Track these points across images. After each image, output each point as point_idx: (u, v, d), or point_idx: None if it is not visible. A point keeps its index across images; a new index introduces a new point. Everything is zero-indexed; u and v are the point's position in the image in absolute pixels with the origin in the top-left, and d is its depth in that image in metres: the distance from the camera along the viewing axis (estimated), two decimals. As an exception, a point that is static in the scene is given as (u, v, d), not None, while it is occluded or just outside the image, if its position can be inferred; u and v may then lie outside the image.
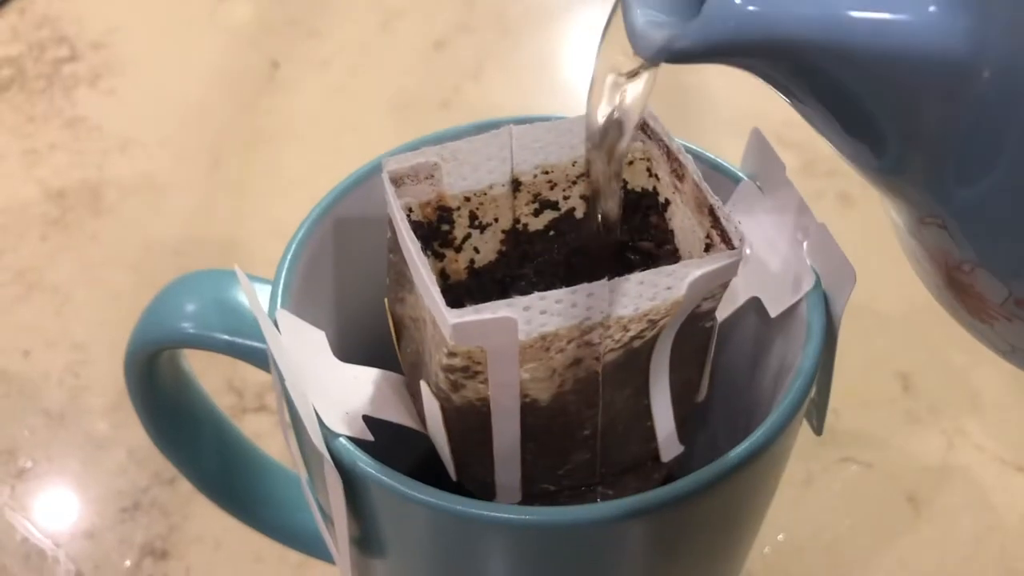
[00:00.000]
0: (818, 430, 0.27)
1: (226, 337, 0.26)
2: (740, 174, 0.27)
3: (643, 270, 0.21)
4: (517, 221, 0.26)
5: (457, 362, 0.21)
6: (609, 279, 0.20)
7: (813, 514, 0.38)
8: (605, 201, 0.24)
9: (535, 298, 0.20)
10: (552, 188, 0.25)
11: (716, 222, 0.23)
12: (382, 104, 0.53)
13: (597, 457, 0.24)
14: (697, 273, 0.21)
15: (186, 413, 0.31)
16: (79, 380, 0.42)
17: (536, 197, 0.25)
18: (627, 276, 0.21)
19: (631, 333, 0.21)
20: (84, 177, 0.50)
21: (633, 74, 0.21)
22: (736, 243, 0.22)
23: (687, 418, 0.25)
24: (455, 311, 0.20)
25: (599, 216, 0.24)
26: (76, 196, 0.49)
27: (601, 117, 0.23)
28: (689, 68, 0.54)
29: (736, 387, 0.29)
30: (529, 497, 0.24)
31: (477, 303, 0.20)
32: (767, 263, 0.26)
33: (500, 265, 0.26)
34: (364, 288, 0.28)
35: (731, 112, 0.52)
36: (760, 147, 0.27)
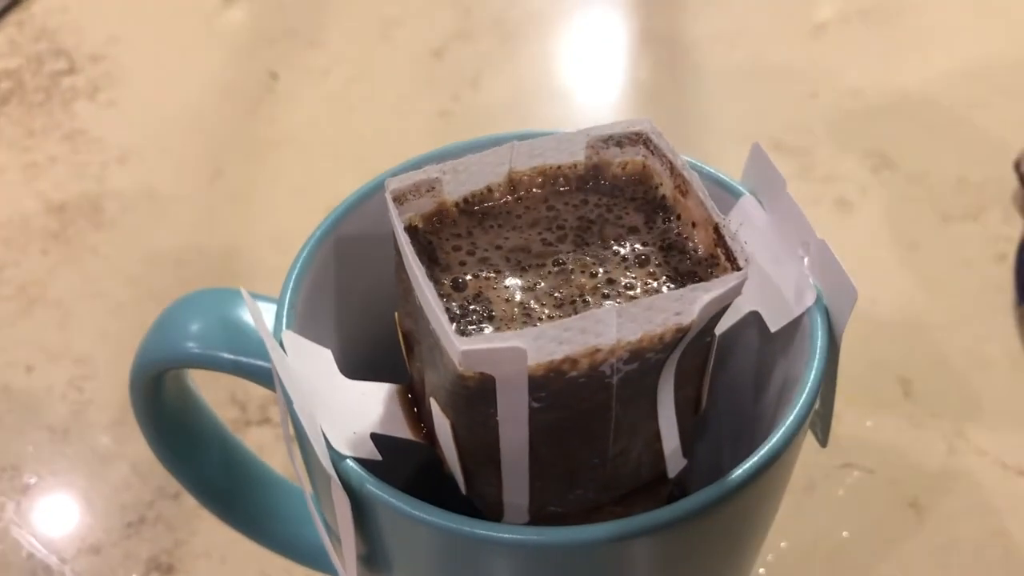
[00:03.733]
0: (823, 442, 0.27)
1: (231, 357, 0.26)
2: (741, 188, 0.27)
3: (652, 294, 0.21)
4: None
5: (467, 384, 0.21)
6: (617, 305, 0.20)
7: (816, 520, 0.38)
8: None
9: (545, 327, 0.20)
10: (542, 181, 0.25)
11: (721, 240, 0.23)
12: (382, 113, 0.53)
13: (608, 481, 0.24)
14: (707, 298, 0.21)
15: (191, 431, 0.31)
16: (82, 395, 0.42)
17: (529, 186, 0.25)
18: (636, 301, 0.21)
19: (640, 358, 0.21)
20: (84, 190, 0.50)
21: None
22: (742, 263, 0.22)
23: (688, 431, 0.25)
24: (464, 339, 0.20)
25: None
26: (76, 209, 0.49)
27: None
28: (686, 82, 0.54)
29: (737, 400, 0.29)
30: (537, 518, 0.24)
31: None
32: (768, 278, 0.26)
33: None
34: (367, 304, 0.28)
35: (728, 119, 0.52)
36: (760, 162, 0.27)
